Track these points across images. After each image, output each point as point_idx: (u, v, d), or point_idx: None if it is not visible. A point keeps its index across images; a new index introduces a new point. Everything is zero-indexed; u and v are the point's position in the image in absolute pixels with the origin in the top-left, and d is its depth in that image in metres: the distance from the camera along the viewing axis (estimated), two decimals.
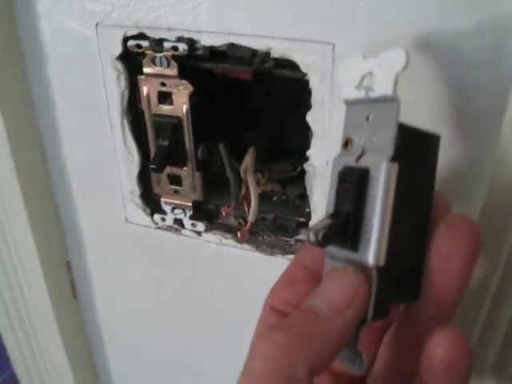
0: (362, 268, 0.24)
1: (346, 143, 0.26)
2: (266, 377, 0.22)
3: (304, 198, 0.44)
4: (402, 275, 0.25)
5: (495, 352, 0.38)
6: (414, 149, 0.25)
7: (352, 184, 0.24)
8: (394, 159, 0.23)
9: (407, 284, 0.25)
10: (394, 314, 0.27)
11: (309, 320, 0.23)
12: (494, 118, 0.31)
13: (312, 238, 0.24)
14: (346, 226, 0.24)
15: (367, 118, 0.25)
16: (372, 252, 0.23)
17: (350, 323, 0.23)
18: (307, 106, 0.37)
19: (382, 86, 0.24)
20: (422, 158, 0.25)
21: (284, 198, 0.46)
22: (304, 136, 0.40)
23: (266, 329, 0.23)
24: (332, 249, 0.25)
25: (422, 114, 0.33)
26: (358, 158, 0.25)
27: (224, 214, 0.43)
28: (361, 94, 0.25)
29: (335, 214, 0.25)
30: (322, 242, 0.24)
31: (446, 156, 0.33)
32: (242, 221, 0.45)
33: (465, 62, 0.30)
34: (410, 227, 0.25)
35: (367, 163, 0.24)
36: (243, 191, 0.43)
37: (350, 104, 0.27)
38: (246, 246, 0.45)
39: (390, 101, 0.24)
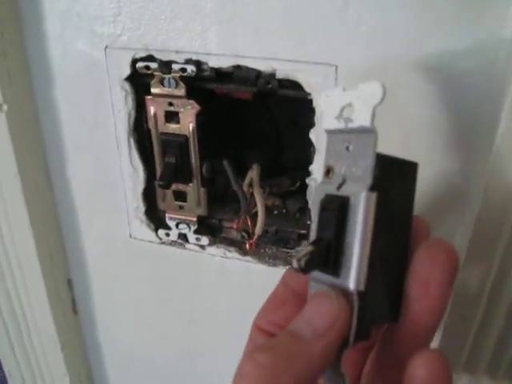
0: (344, 292, 0.25)
1: (328, 171, 0.27)
2: None
3: (304, 211, 0.46)
4: (383, 298, 0.26)
5: (489, 353, 0.40)
6: (393, 177, 0.26)
7: (333, 212, 0.25)
8: (372, 188, 0.24)
9: (388, 306, 0.26)
10: (376, 335, 0.28)
11: (292, 343, 0.24)
12: (487, 132, 0.33)
13: (295, 264, 0.24)
14: (327, 253, 0.25)
15: (347, 148, 0.26)
16: (352, 278, 0.24)
17: (332, 346, 0.24)
18: (306, 124, 0.40)
19: (360, 118, 0.25)
20: (400, 185, 0.26)
21: (284, 211, 0.48)
22: (302, 152, 0.42)
23: (252, 349, 0.25)
24: (316, 273, 0.26)
25: (418, 129, 0.35)
26: (339, 187, 0.26)
27: (235, 226, 0.44)
28: (341, 125, 0.26)
29: (317, 241, 0.26)
30: (305, 269, 0.25)
31: (441, 169, 0.36)
32: (244, 234, 0.47)
33: (460, 82, 0.33)
34: (390, 252, 0.26)
35: (348, 192, 0.25)
36: None
37: (331, 134, 0.27)
38: (249, 258, 0.46)
39: (368, 132, 0.24)
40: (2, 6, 0.42)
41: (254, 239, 0.43)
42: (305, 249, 0.25)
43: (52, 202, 0.51)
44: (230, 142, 0.50)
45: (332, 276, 0.25)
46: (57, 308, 0.55)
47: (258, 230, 0.43)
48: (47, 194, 0.50)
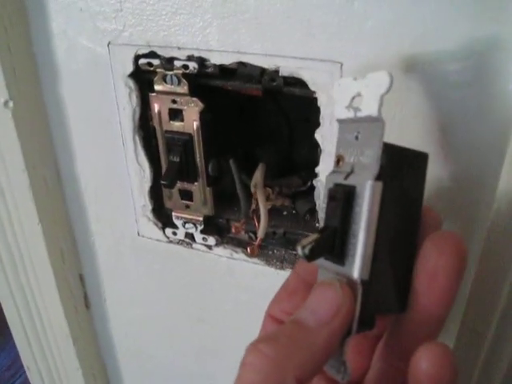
0: (349, 281, 0.25)
1: (338, 160, 0.27)
2: None
3: (314, 212, 0.45)
4: (390, 288, 0.26)
5: (503, 370, 0.38)
6: (401, 167, 0.26)
7: (339, 201, 0.25)
8: (378, 178, 0.24)
9: (395, 296, 0.26)
10: (384, 324, 0.28)
11: (296, 332, 0.24)
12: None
13: (300, 252, 0.25)
14: (333, 241, 0.25)
15: (356, 138, 0.26)
16: (357, 267, 0.24)
17: (335, 335, 0.24)
18: (317, 121, 0.38)
19: (368, 107, 0.25)
20: (409, 175, 0.26)
21: (294, 212, 0.46)
22: (314, 150, 0.40)
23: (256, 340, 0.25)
24: (323, 262, 0.26)
25: (427, 131, 0.33)
26: (347, 176, 0.26)
27: (234, 230, 0.43)
28: (350, 114, 0.26)
29: (323, 229, 0.26)
30: (309, 256, 0.25)
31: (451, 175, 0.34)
32: (252, 235, 0.45)
33: (474, 81, 0.30)
34: (398, 242, 0.26)
35: (354, 181, 0.25)
36: (254, 206, 0.44)
37: (342, 123, 0.28)
38: (256, 260, 0.45)
39: (376, 121, 0.25)
40: (6, 2, 0.41)
41: (256, 243, 0.41)
42: (311, 236, 0.25)
43: (62, 198, 0.51)
44: (239, 140, 0.48)
45: (337, 264, 0.26)
46: (68, 303, 0.55)
47: (260, 234, 0.41)
48: (56, 190, 0.50)
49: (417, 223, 0.27)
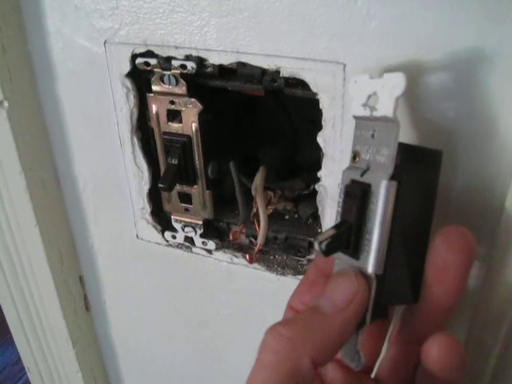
0: (364, 272, 0.26)
1: (355, 156, 0.28)
2: (274, 367, 0.24)
3: (317, 217, 0.43)
4: (404, 280, 0.27)
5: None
6: (415, 166, 0.26)
7: (355, 198, 0.26)
8: (393, 177, 0.25)
9: (409, 288, 0.27)
10: (391, 310, 0.30)
11: (313, 317, 0.26)
12: None
13: (317, 247, 0.26)
14: (348, 237, 0.27)
15: (372, 136, 0.27)
16: (371, 262, 0.26)
17: (350, 321, 0.26)
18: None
19: (384, 108, 0.25)
20: (423, 173, 0.27)
21: (296, 216, 0.45)
22: (319, 153, 0.39)
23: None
24: (340, 254, 0.28)
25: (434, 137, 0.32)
26: (363, 173, 0.27)
27: (231, 236, 0.42)
28: (366, 113, 0.27)
29: (340, 225, 0.27)
30: (326, 252, 0.26)
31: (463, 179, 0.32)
32: (253, 239, 0.44)
33: (483, 83, 0.29)
34: (412, 237, 0.27)
35: (370, 179, 0.26)
36: (254, 210, 0.42)
37: (358, 120, 0.28)
38: (256, 265, 0.44)
39: (391, 122, 0.25)
40: (0, 0, 0.40)
41: (256, 249, 0.40)
42: (327, 232, 0.27)
43: (60, 200, 0.50)
44: (241, 142, 0.47)
45: (353, 258, 0.27)
46: (67, 304, 0.54)
47: (259, 240, 0.40)
48: (54, 191, 0.49)
49: (430, 218, 0.28)
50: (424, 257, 0.27)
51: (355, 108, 0.28)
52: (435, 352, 0.25)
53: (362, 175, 0.27)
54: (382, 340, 0.32)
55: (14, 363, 1.67)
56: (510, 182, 0.30)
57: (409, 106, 0.31)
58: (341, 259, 0.28)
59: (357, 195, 0.26)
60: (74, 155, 0.47)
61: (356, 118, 0.28)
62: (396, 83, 0.25)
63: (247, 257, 0.41)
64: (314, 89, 0.34)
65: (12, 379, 1.82)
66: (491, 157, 0.30)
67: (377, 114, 0.26)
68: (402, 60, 0.30)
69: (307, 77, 0.34)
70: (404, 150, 0.25)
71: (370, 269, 0.26)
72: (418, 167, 0.27)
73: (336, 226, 0.27)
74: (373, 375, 0.32)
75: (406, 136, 0.31)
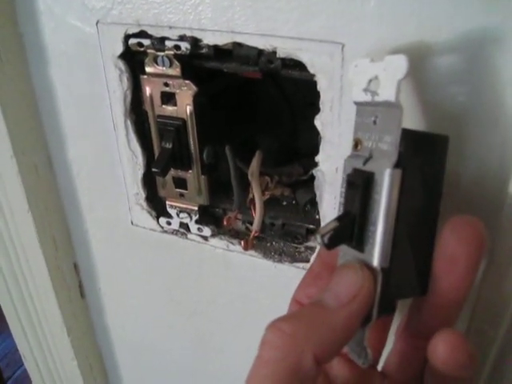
0: (369, 265, 0.25)
1: (356, 144, 0.27)
2: (275, 363, 0.23)
3: (315, 203, 0.42)
4: (411, 272, 0.26)
5: None
6: (420, 153, 0.25)
7: (358, 188, 0.25)
8: (397, 165, 0.24)
9: (416, 280, 0.26)
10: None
11: (316, 312, 0.25)
12: None
13: (319, 240, 0.25)
14: (352, 229, 0.26)
15: (375, 122, 0.26)
16: (376, 255, 0.25)
17: (355, 316, 0.25)
18: None
19: (385, 93, 0.24)
20: (428, 160, 0.26)
21: (294, 202, 0.44)
22: (317, 137, 0.38)
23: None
24: (343, 247, 0.27)
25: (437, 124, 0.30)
26: (366, 162, 0.26)
27: (226, 222, 0.41)
28: (368, 98, 0.26)
29: (342, 217, 0.26)
30: (329, 245, 0.25)
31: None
32: (249, 226, 0.43)
33: (487, 66, 0.28)
34: (418, 227, 0.26)
35: (373, 167, 0.25)
36: (251, 195, 0.42)
37: (359, 105, 0.27)
38: (253, 252, 0.43)
39: (394, 107, 0.24)
40: None
41: (251, 236, 0.39)
42: (330, 224, 0.26)
43: (54, 186, 0.49)
44: (238, 126, 0.46)
45: (357, 251, 0.26)
46: (62, 292, 0.53)
47: (255, 226, 0.39)
48: (48, 177, 0.48)
49: (437, 206, 0.26)
50: (432, 247, 0.26)
51: (356, 93, 0.26)
52: (441, 350, 0.24)
53: (364, 164, 0.26)
54: (386, 332, 0.31)
55: (16, 350, 1.68)
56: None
57: (412, 90, 0.30)
58: (345, 252, 0.27)
59: (359, 185, 0.25)
60: (67, 139, 0.46)
61: (357, 103, 0.27)
62: (398, 66, 0.23)
63: (242, 243, 0.40)
64: (311, 70, 0.33)
65: (14, 366, 1.83)
66: (497, 142, 0.29)
67: (378, 98, 0.25)
68: (403, 41, 0.29)
69: (304, 57, 0.33)
70: (408, 136, 0.24)
71: (376, 262, 0.25)
72: (424, 154, 0.25)
73: (338, 218, 0.26)
74: (379, 368, 0.31)
75: (410, 121, 0.30)
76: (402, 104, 0.24)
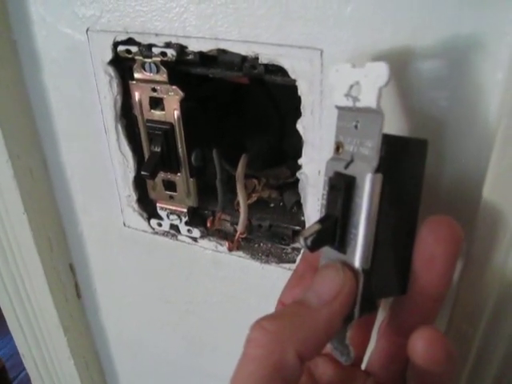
0: (351, 266, 0.26)
1: (338, 148, 0.27)
2: (259, 361, 0.24)
3: (301, 205, 0.43)
4: (391, 272, 0.27)
5: (492, 374, 0.36)
6: (401, 157, 0.26)
7: (340, 191, 0.26)
8: (378, 170, 0.24)
9: (396, 280, 0.27)
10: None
11: (299, 310, 0.25)
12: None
13: (302, 243, 0.26)
14: (334, 231, 0.26)
15: (356, 126, 0.26)
16: (358, 256, 0.25)
17: (336, 314, 0.25)
18: None
19: (367, 98, 0.25)
20: (409, 163, 0.26)
21: (281, 204, 0.45)
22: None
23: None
24: (326, 249, 0.27)
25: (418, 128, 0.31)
26: (347, 165, 0.26)
27: (209, 224, 0.42)
28: (349, 103, 0.26)
29: (325, 219, 0.27)
30: (312, 247, 0.26)
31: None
32: (237, 227, 0.44)
33: (465, 72, 0.28)
34: (398, 228, 0.26)
35: (354, 171, 0.25)
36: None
37: (340, 110, 0.27)
38: (241, 253, 0.44)
39: (375, 113, 0.24)
40: None
41: (235, 237, 0.40)
42: (312, 227, 0.26)
43: (49, 188, 0.51)
44: (227, 129, 0.47)
45: (339, 252, 0.26)
46: (58, 292, 0.54)
47: (239, 228, 0.40)
48: (43, 180, 0.50)
49: (417, 208, 0.27)
50: (411, 247, 0.26)
51: (337, 98, 0.27)
52: (420, 346, 0.24)
53: (346, 167, 0.26)
54: (369, 331, 0.32)
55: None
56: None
57: (393, 94, 0.30)
58: (327, 253, 0.28)
59: (341, 188, 0.26)
60: (61, 143, 0.47)
61: (338, 108, 0.27)
62: (379, 73, 0.24)
63: (227, 244, 0.41)
64: (292, 75, 0.34)
65: (19, 366, 1.84)
66: (474, 145, 0.30)
67: (360, 104, 0.25)
68: (382, 47, 0.30)
69: (285, 63, 0.34)
70: (389, 141, 0.25)
71: (357, 263, 0.25)
72: (404, 158, 0.26)
73: (321, 221, 0.27)
74: (363, 367, 0.32)
75: (390, 124, 0.30)
76: (383, 110, 0.24)
